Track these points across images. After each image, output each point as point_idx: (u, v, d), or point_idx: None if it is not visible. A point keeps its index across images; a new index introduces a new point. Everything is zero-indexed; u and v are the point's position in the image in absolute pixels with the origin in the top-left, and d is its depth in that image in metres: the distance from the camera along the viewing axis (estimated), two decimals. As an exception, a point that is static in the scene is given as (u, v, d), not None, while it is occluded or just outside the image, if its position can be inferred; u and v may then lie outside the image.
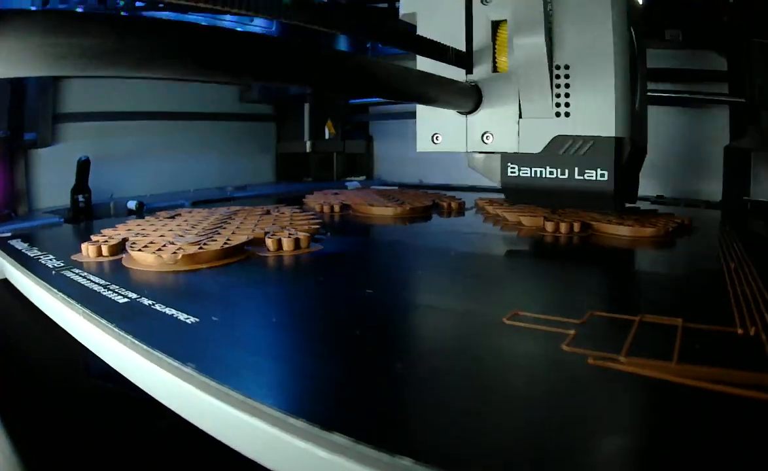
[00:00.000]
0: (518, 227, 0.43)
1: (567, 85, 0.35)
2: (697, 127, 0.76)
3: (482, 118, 0.38)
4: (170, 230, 0.38)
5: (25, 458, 0.30)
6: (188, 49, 0.19)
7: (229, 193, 0.80)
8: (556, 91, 0.35)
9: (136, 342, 0.21)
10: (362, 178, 0.99)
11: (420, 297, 0.27)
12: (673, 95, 0.75)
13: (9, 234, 0.45)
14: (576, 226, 0.40)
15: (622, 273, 0.33)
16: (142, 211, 0.66)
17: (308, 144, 0.93)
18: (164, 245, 0.33)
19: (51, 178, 0.69)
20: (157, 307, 0.25)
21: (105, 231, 0.40)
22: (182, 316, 0.24)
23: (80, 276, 0.31)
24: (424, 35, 0.35)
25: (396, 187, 0.82)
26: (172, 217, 0.44)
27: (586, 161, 0.35)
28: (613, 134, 0.34)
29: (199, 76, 0.20)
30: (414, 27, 0.40)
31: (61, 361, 0.36)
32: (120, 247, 0.35)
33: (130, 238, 0.35)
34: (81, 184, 0.62)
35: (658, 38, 0.73)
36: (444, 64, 0.36)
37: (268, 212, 0.46)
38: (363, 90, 0.31)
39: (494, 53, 0.37)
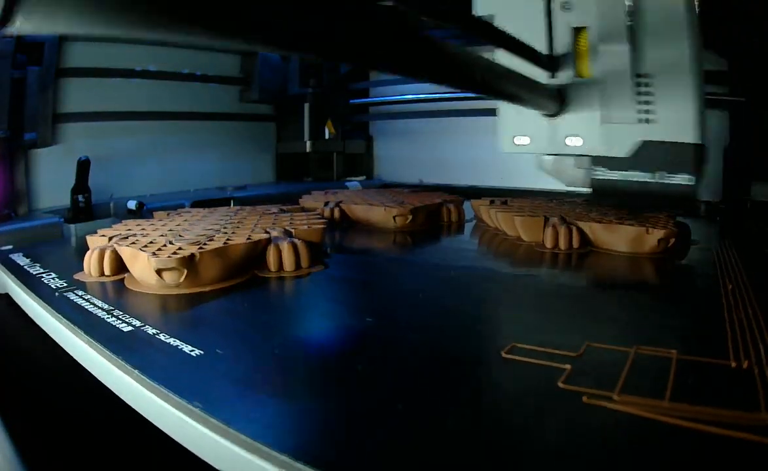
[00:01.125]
0: (518, 242, 0.45)
1: (649, 93, 0.37)
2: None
3: (566, 121, 0.39)
4: (170, 230, 0.38)
5: (25, 458, 0.30)
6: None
7: (229, 193, 0.80)
8: (638, 98, 0.37)
9: (143, 377, 0.21)
10: (362, 178, 0.98)
11: (419, 326, 0.28)
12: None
13: (10, 247, 0.46)
14: (575, 242, 0.41)
15: (619, 296, 0.33)
16: (142, 211, 0.66)
17: (308, 144, 0.93)
18: (164, 245, 0.33)
19: (51, 178, 0.68)
20: (162, 336, 0.25)
21: (103, 230, 0.40)
22: (187, 348, 0.24)
23: (83, 299, 0.31)
24: None
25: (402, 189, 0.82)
26: (171, 214, 0.44)
27: (672, 165, 0.37)
28: (696, 141, 0.37)
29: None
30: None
31: (61, 361, 0.36)
32: (122, 266, 0.35)
33: (129, 239, 0.35)
34: (81, 184, 0.62)
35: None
36: (522, 66, 0.35)
37: (266, 213, 0.46)
38: (456, 81, 0.29)
39: (576, 58, 0.38)
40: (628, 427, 0.18)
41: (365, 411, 0.19)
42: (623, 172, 0.39)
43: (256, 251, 0.35)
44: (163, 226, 0.41)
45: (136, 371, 0.22)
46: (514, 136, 0.41)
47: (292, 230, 0.37)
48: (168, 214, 0.47)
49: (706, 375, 0.21)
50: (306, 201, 0.61)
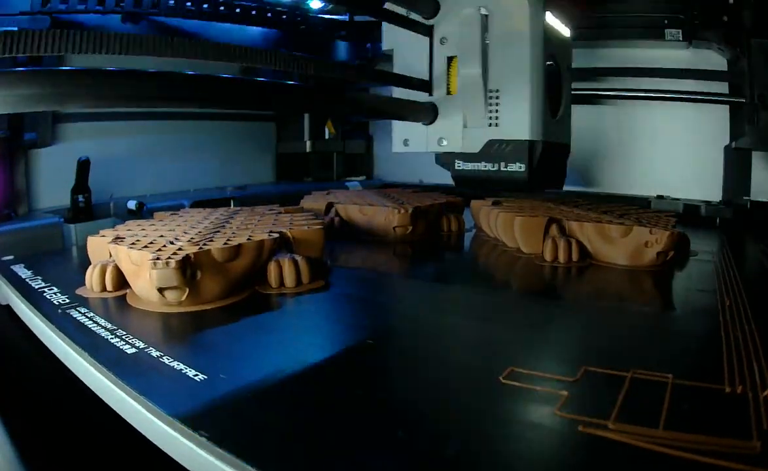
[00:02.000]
0: (517, 254, 0.47)
1: (497, 103, 0.46)
2: (697, 127, 0.76)
3: (438, 127, 0.49)
4: (170, 230, 0.39)
5: (25, 458, 0.30)
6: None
7: (229, 193, 0.80)
8: (489, 107, 0.46)
9: (148, 402, 0.22)
10: (362, 178, 0.99)
11: (419, 347, 0.28)
12: (673, 95, 0.75)
13: (11, 257, 0.46)
14: (575, 255, 0.42)
15: (618, 314, 0.33)
16: (142, 211, 0.66)
17: (308, 144, 0.93)
18: (164, 246, 0.34)
19: (51, 178, 0.68)
20: (165, 359, 0.25)
21: (104, 231, 0.40)
22: (191, 372, 0.24)
23: (86, 317, 0.31)
24: (400, 65, 0.50)
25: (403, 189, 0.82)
26: (172, 214, 0.44)
27: (509, 157, 0.46)
28: (527, 138, 0.45)
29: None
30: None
31: (61, 363, 0.36)
32: (123, 281, 0.35)
33: (129, 239, 0.36)
34: (81, 184, 0.62)
35: (659, 38, 0.73)
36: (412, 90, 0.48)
37: (267, 213, 0.47)
38: (355, 114, 0.47)
39: (448, 80, 0.48)
40: (622, 458, 0.18)
41: (367, 438, 0.19)
42: (475, 163, 0.48)
43: (258, 267, 0.35)
44: (163, 226, 0.41)
45: (142, 397, 0.22)
46: (403, 140, 0.51)
47: (290, 232, 0.38)
48: (170, 215, 0.47)
49: (700, 400, 0.21)
50: (307, 202, 0.61)
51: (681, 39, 0.73)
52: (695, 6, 0.72)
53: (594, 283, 0.40)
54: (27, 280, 0.39)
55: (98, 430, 0.26)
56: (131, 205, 0.66)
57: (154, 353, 0.26)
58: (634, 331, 0.30)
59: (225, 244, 0.34)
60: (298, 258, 0.36)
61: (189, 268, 0.31)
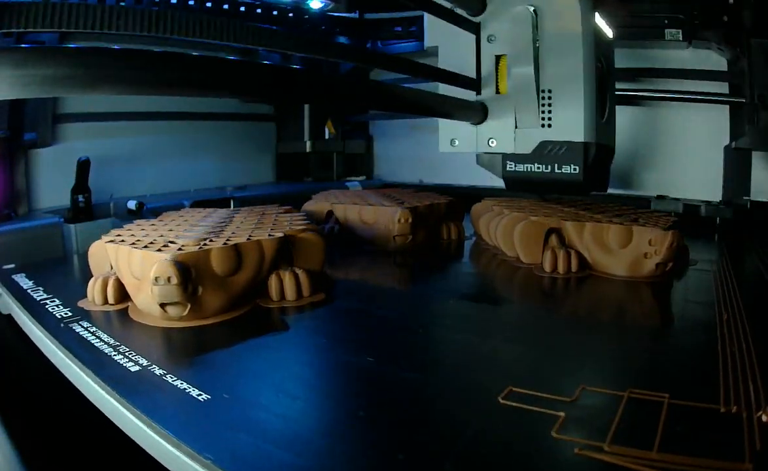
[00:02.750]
0: (517, 263, 0.47)
1: (550, 104, 0.46)
2: (697, 127, 0.76)
3: (488, 127, 0.48)
4: (170, 230, 0.39)
5: (25, 458, 0.30)
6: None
7: (229, 193, 0.80)
8: (541, 108, 0.46)
9: (153, 423, 0.22)
10: (362, 178, 0.99)
11: (419, 365, 0.28)
12: (673, 95, 0.75)
13: (12, 266, 0.46)
14: (574, 266, 0.42)
15: (616, 329, 0.34)
16: (142, 211, 0.66)
17: (308, 144, 0.93)
18: (165, 245, 0.34)
19: (51, 178, 0.69)
20: (169, 378, 0.26)
21: (106, 236, 0.40)
22: (194, 392, 0.24)
23: (89, 331, 0.32)
24: (444, 62, 0.48)
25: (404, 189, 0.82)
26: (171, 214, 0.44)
27: (563, 159, 0.45)
28: (582, 140, 0.45)
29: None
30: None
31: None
32: (125, 294, 0.35)
33: (129, 240, 0.36)
34: (81, 184, 0.63)
35: (658, 38, 0.73)
36: (461, 88, 0.47)
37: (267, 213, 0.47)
38: (404, 111, 0.45)
39: (497, 79, 0.48)
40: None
41: (368, 460, 0.20)
42: (527, 165, 0.47)
43: (259, 279, 0.35)
44: (164, 226, 0.41)
45: (147, 418, 0.22)
46: (451, 140, 0.50)
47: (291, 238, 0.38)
48: (171, 214, 0.47)
49: (695, 421, 0.22)
50: (310, 206, 0.61)
51: (681, 39, 0.73)
52: (695, 6, 0.72)
53: (592, 296, 0.40)
54: (29, 290, 0.40)
55: (98, 431, 0.26)
56: (131, 205, 0.66)
57: (158, 372, 0.26)
58: (631, 347, 0.30)
59: (225, 243, 0.34)
60: (299, 271, 0.36)
61: (190, 284, 0.31)
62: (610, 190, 0.79)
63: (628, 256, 0.41)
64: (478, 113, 0.47)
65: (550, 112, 0.46)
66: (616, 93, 0.77)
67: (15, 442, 0.31)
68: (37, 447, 0.33)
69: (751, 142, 0.69)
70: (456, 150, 0.50)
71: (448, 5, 0.45)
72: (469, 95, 0.48)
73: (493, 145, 0.48)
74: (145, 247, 0.34)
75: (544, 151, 0.46)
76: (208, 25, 0.28)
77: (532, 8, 0.44)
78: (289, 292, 0.36)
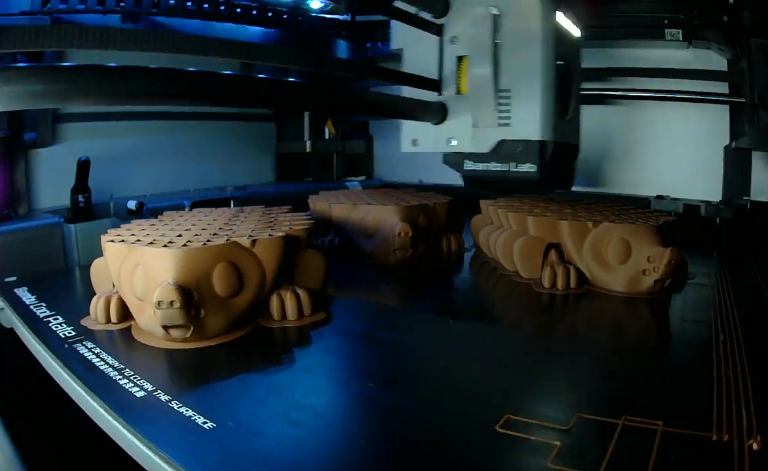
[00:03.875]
0: (516, 278, 0.47)
1: (508, 103, 0.46)
2: (697, 127, 0.76)
3: (448, 126, 0.48)
4: (170, 230, 0.39)
5: (25, 458, 0.31)
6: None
7: (229, 193, 0.80)
8: (499, 107, 0.46)
9: (161, 452, 0.22)
10: (362, 178, 0.99)
11: (418, 390, 0.28)
12: (673, 95, 0.75)
13: (14, 278, 0.46)
14: (573, 282, 0.43)
15: (613, 351, 0.34)
16: (142, 210, 0.66)
17: (308, 144, 0.93)
18: (170, 242, 0.34)
19: (51, 178, 0.69)
20: (174, 404, 0.26)
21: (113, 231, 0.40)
22: (200, 420, 0.25)
23: (93, 352, 0.32)
24: (409, 64, 0.49)
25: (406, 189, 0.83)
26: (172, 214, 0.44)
27: (520, 157, 0.46)
28: (538, 138, 0.45)
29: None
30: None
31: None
32: (128, 313, 0.36)
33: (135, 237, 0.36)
34: (81, 184, 0.63)
35: (658, 38, 0.73)
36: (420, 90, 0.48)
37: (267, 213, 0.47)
38: (363, 113, 0.50)
39: (458, 79, 0.48)
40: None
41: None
42: (485, 164, 0.48)
43: (260, 301, 0.35)
44: (164, 225, 0.41)
45: (154, 446, 0.23)
46: (412, 139, 0.51)
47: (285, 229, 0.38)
48: (169, 215, 0.47)
49: (687, 449, 0.22)
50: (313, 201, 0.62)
51: (681, 39, 0.73)
52: (695, 6, 0.72)
53: (590, 315, 0.40)
54: (31, 306, 0.40)
55: (98, 432, 0.27)
56: (131, 205, 0.66)
57: (164, 397, 0.27)
58: (627, 371, 0.31)
59: (227, 240, 0.34)
60: (300, 291, 0.37)
61: (193, 308, 0.31)
62: (610, 191, 0.80)
63: (626, 272, 0.41)
64: (437, 113, 0.48)
65: (508, 111, 0.46)
66: (618, 93, 0.78)
67: (15, 442, 0.31)
68: (37, 447, 0.33)
69: (751, 142, 0.69)
70: (418, 150, 0.51)
71: (412, 9, 0.46)
72: (433, 96, 0.48)
73: (453, 144, 0.49)
74: (150, 243, 0.34)
75: (502, 149, 0.47)
76: (180, 39, 0.30)
77: (494, 9, 0.45)
78: (291, 312, 0.36)
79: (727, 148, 0.73)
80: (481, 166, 0.48)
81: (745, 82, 0.69)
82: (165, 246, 0.33)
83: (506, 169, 0.47)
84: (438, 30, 0.48)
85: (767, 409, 0.24)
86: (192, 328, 0.32)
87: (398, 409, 0.26)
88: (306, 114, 0.93)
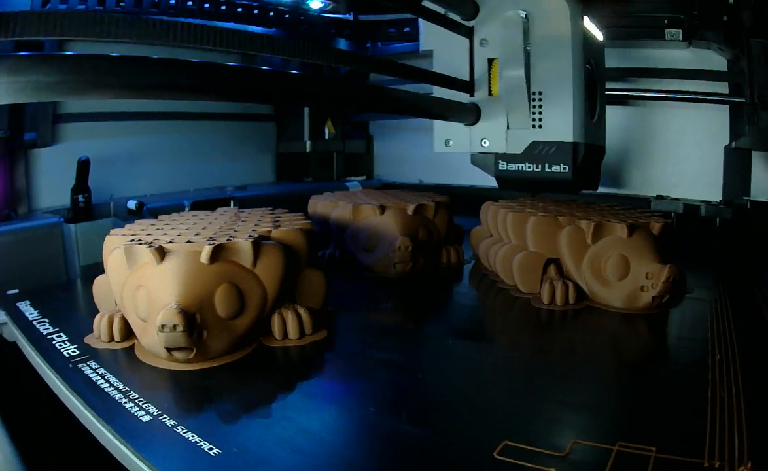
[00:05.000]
0: (515, 293, 0.48)
1: (540, 105, 0.47)
2: (697, 127, 0.76)
3: (481, 128, 0.50)
4: (172, 229, 0.40)
5: (25, 458, 0.31)
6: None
7: (229, 193, 0.80)
8: (532, 109, 0.47)
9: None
10: (362, 178, 0.99)
11: (418, 414, 0.29)
12: (673, 95, 0.75)
13: (16, 291, 0.46)
14: (571, 298, 0.43)
15: (610, 373, 0.34)
16: (142, 210, 0.66)
17: (308, 144, 0.93)
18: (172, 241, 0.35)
19: (51, 178, 0.69)
20: (180, 429, 0.27)
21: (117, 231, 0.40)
22: (206, 445, 0.25)
23: (97, 373, 0.32)
24: (439, 65, 0.50)
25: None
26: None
27: (553, 158, 0.47)
28: (571, 140, 0.47)
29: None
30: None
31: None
32: (131, 331, 0.36)
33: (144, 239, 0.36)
34: (81, 184, 0.63)
35: (658, 38, 0.73)
36: (454, 91, 0.49)
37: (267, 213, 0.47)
38: (399, 112, 0.50)
39: (489, 82, 0.49)
40: None
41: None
42: (518, 164, 0.49)
43: (262, 321, 0.36)
44: (165, 225, 0.42)
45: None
46: (445, 140, 0.52)
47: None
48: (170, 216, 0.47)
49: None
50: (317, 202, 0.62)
51: (681, 39, 0.73)
52: (695, 6, 0.71)
53: (587, 334, 0.40)
54: (34, 322, 0.40)
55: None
56: (131, 205, 0.67)
57: (169, 422, 0.27)
58: (623, 393, 0.31)
59: (228, 239, 0.35)
60: (301, 310, 0.37)
61: (196, 331, 0.31)
62: (610, 190, 0.80)
63: (625, 288, 0.41)
64: (471, 114, 0.49)
65: (540, 113, 0.47)
66: (617, 93, 0.78)
67: (15, 441, 0.32)
68: (37, 447, 0.34)
69: (751, 142, 0.69)
70: (451, 150, 0.52)
71: (441, 10, 0.46)
72: (463, 97, 0.49)
73: (485, 145, 0.50)
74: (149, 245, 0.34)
75: (535, 150, 0.48)
76: (192, 30, 0.29)
77: (523, 13, 0.45)
78: (292, 332, 0.36)
79: (727, 148, 0.73)
80: (514, 167, 0.49)
81: (745, 82, 0.69)
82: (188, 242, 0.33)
83: (539, 169, 0.48)
84: (467, 32, 0.49)
85: (760, 434, 0.25)
86: (195, 350, 0.32)
87: (398, 435, 0.26)
88: (306, 114, 0.92)
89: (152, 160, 0.82)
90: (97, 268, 0.39)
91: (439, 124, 0.52)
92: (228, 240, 0.34)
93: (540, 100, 0.47)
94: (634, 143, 0.80)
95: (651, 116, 0.79)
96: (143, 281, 0.33)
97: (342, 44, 0.92)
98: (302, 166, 0.96)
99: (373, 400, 0.30)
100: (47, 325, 0.40)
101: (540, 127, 0.47)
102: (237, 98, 0.47)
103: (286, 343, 0.36)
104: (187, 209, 0.70)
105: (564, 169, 0.47)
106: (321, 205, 0.59)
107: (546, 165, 0.47)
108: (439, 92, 0.48)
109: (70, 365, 0.33)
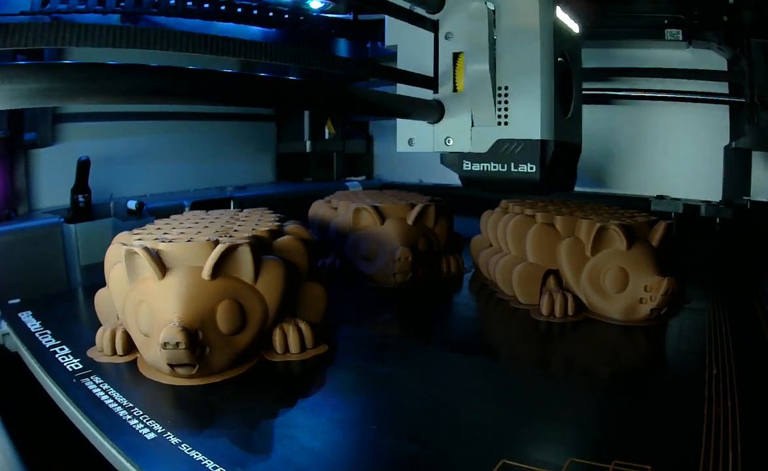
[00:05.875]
0: (515, 304, 0.47)
1: (506, 101, 0.45)
2: (697, 127, 0.76)
3: (444, 126, 0.47)
4: (173, 229, 0.40)
5: (25, 458, 0.31)
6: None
7: (229, 193, 0.81)
8: (498, 105, 0.45)
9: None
10: (362, 178, 0.99)
11: (418, 432, 0.29)
12: (673, 95, 0.75)
13: (18, 301, 0.46)
14: (570, 309, 0.43)
15: (604, 388, 0.35)
16: (142, 211, 0.66)
17: (308, 144, 0.93)
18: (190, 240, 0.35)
19: (51, 178, 0.69)
20: (184, 447, 0.27)
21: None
22: (210, 464, 0.25)
23: (101, 389, 0.33)
24: (404, 61, 0.48)
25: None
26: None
27: (519, 157, 0.45)
28: (538, 137, 0.44)
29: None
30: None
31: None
32: (133, 345, 0.36)
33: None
34: (81, 184, 0.63)
35: (658, 38, 0.73)
36: (417, 87, 0.46)
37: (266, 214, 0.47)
38: (358, 112, 0.48)
39: (454, 77, 0.47)
40: None
41: None
42: (484, 164, 0.46)
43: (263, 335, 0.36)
44: (166, 224, 0.42)
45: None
46: (408, 139, 0.49)
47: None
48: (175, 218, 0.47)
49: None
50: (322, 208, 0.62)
51: (681, 39, 0.72)
52: (695, 6, 0.71)
53: (586, 347, 0.40)
54: (37, 334, 0.40)
55: None
56: (131, 205, 0.67)
57: (173, 440, 0.27)
58: (619, 409, 0.31)
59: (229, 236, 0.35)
60: (302, 324, 0.37)
61: (198, 348, 0.31)
62: (609, 191, 0.80)
63: (624, 300, 0.41)
64: (434, 112, 0.46)
65: (506, 109, 0.45)
66: (618, 93, 0.77)
67: (15, 441, 0.32)
68: (40, 457, 0.34)
69: (751, 142, 0.69)
70: (414, 150, 0.49)
71: (406, 5, 0.45)
72: (428, 95, 0.47)
73: (449, 144, 0.47)
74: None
75: (501, 149, 0.45)
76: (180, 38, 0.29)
77: (490, 4, 0.43)
78: (293, 346, 0.36)
79: (727, 148, 0.74)
80: (478, 167, 0.47)
81: (745, 82, 0.69)
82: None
83: (505, 169, 0.45)
84: (433, 26, 0.46)
85: (754, 451, 0.25)
86: (197, 366, 0.32)
87: (398, 454, 0.27)
88: (306, 114, 0.93)
89: (152, 160, 0.82)
90: (97, 268, 0.40)
91: (402, 123, 0.50)
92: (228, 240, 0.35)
93: (506, 95, 0.44)
94: (634, 143, 0.80)
95: (651, 116, 0.79)
96: (145, 297, 0.33)
97: (342, 44, 0.92)
98: (302, 166, 0.96)
99: (373, 417, 0.30)
100: (49, 337, 0.40)
101: (506, 123, 0.45)
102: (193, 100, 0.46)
103: (287, 357, 0.36)
104: (187, 209, 0.70)
105: (531, 168, 0.44)
106: (322, 211, 0.59)
107: (512, 164, 0.45)
108: (405, 91, 0.46)
109: (74, 380, 0.34)
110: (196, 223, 0.42)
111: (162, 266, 0.33)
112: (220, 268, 0.33)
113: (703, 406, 0.29)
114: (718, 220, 0.71)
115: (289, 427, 0.29)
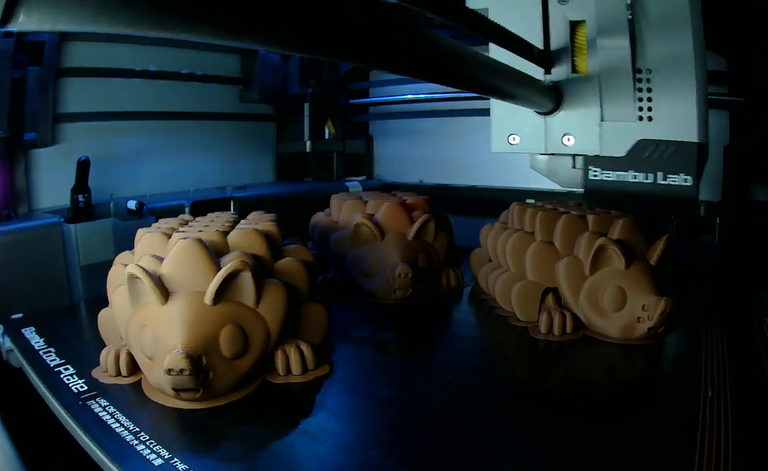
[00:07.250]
0: (513, 321, 0.47)
1: (649, 90, 0.36)
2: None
3: (562, 119, 0.38)
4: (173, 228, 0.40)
5: (25, 458, 0.32)
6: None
7: (229, 193, 0.81)
8: (638, 94, 0.36)
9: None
10: (362, 178, 0.99)
11: (420, 461, 0.29)
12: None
13: (20, 315, 0.47)
14: (569, 327, 0.44)
15: (599, 412, 0.35)
16: (142, 211, 0.66)
17: (308, 144, 0.93)
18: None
19: (51, 178, 0.69)
20: (192, 475, 0.27)
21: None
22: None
23: (107, 412, 0.33)
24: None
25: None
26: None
27: (670, 165, 0.36)
28: (696, 140, 0.36)
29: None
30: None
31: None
32: (137, 366, 0.37)
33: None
34: (81, 184, 0.63)
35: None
36: (518, 61, 0.33)
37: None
38: (442, 75, 0.26)
39: (573, 54, 0.37)
40: None
41: None
42: (619, 173, 0.38)
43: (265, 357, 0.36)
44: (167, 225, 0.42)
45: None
46: (507, 135, 0.40)
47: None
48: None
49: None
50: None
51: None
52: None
53: (583, 367, 0.40)
54: (40, 352, 0.41)
55: None
56: (131, 205, 0.67)
57: (181, 466, 0.28)
58: (614, 435, 0.31)
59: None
60: (303, 345, 0.37)
61: (202, 373, 0.32)
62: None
63: (621, 319, 0.42)
64: (548, 98, 0.36)
65: (650, 100, 0.37)
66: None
67: (15, 441, 0.33)
68: (37, 447, 0.34)
69: (750, 142, 0.69)
70: (516, 150, 0.40)
71: None
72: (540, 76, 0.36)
73: (569, 143, 0.39)
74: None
75: (644, 153, 0.37)
76: None
77: None
78: (295, 368, 0.37)
79: (727, 148, 0.73)
80: (612, 177, 0.38)
81: (745, 82, 0.69)
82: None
83: (650, 180, 0.37)
84: None
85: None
86: (201, 390, 0.32)
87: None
88: (306, 114, 0.92)
89: (152, 160, 0.82)
90: (97, 268, 0.40)
91: (500, 115, 0.40)
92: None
93: (649, 82, 0.36)
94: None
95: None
96: (148, 321, 0.34)
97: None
98: (302, 166, 0.96)
99: (374, 442, 0.31)
100: (53, 356, 0.40)
101: (650, 119, 0.36)
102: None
103: (289, 379, 0.37)
104: (186, 210, 0.70)
105: (686, 180, 0.36)
106: (322, 223, 0.60)
107: (660, 174, 0.37)
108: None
109: (80, 402, 0.34)
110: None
111: (164, 291, 0.33)
112: (222, 292, 0.34)
113: (696, 431, 0.29)
114: (718, 220, 0.71)
115: (292, 453, 0.30)
